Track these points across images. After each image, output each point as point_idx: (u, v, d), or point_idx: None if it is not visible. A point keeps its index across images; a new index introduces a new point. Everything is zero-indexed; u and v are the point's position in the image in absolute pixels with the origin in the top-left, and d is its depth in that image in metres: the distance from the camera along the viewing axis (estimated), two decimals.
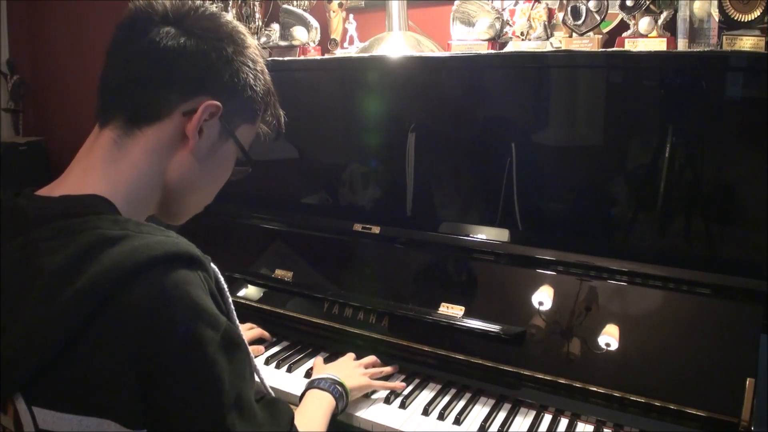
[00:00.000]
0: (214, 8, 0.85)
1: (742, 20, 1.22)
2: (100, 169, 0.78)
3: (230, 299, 0.78)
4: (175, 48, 0.79)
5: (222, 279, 0.78)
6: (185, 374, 0.68)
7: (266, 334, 1.50)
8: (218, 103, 0.80)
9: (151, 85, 0.79)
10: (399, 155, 1.56)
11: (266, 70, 0.89)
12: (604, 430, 1.16)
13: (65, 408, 0.66)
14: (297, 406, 1.13)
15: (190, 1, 0.83)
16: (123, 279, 0.66)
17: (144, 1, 0.82)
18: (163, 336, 0.66)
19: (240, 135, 0.86)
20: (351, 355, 1.34)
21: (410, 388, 1.30)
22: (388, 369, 1.33)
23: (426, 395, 1.28)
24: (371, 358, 1.33)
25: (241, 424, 0.71)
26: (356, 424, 1.21)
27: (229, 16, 0.87)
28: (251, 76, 0.84)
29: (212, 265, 0.76)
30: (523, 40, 1.52)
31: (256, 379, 0.86)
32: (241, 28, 0.86)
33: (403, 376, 1.34)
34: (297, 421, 0.88)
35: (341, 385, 1.16)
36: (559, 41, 1.47)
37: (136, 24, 0.80)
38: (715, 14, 1.27)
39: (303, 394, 1.15)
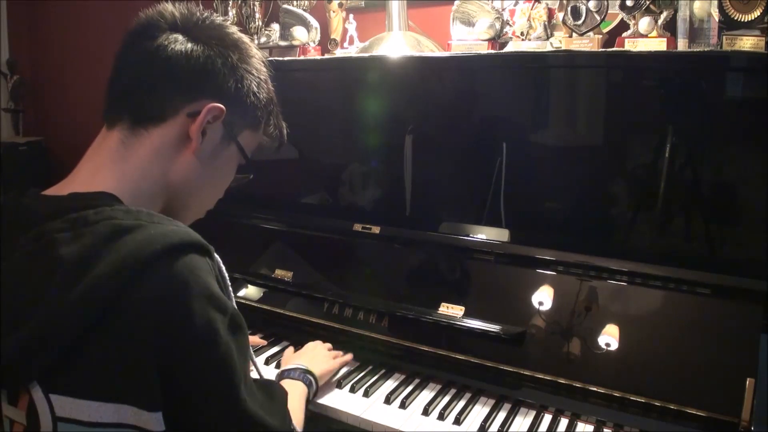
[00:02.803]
0: (220, 19, 0.88)
1: (742, 20, 1.22)
2: (108, 168, 0.81)
3: (231, 287, 0.81)
4: (182, 52, 0.82)
5: (224, 268, 0.80)
6: (202, 356, 0.71)
7: (258, 340, 1.49)
8: (222, 106, 0.83)
9: (158, 87, 0.82)
10: (399, 155, 1.56)
11: (269, 81, 0.92)
12: (604, 430, 1.16)
13: (83, 394, 0.68)
14: None
15: (198, 12, 0.86)
16: (141, 266, 0.68)
17: (153, 9, 0.85)
18: (180, 320, 0.69)
19: (242, 140, 0.89)
20: (317, 342, 1.38)
21: (410, 388, 1.30)
22: (348, 357, 1.37)
23: (426, 395, 1.28)
24: (328, 345, 1.37)
25: (251, 402, 0.76)
26: (356, 424, 1.21)
27: (235, 28, 0.89)
28: (254, 83, 0.88)
29: (215, 255, 0.79)
30: (523, 40, 1.52)
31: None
32: (246, 38, 0.89)
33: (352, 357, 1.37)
34: None
35: (310, 373, 1.21)
36: (559, 41, 1.47)
37: (145, 30, 0.84)
38: (715, 14, 1.27)
39: None
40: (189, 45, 0.82)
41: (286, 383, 1.16)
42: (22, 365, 0.67)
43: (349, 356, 1.37)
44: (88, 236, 0.70)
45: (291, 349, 1.40)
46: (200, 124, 0.82)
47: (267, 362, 1.41)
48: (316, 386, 1.22)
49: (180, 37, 0.82)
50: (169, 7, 0.85)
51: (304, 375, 1.20)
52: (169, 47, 0.81)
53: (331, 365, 1.29)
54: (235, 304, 0.79)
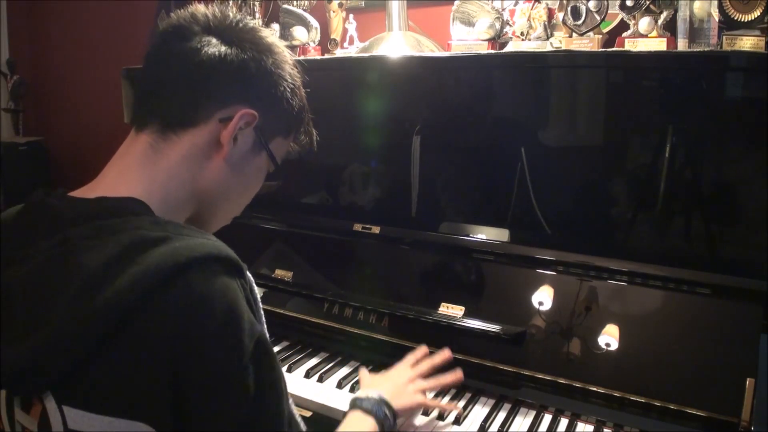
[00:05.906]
0: (254, 23, 0.86)
1: (742, 20, 1.22)
2: (136, 172, 0.79)
3: (261, 308, 0.77)
4: (216, 56, 0.79)
5: (255, 287, 0.77)
6: (214, 380, 0.67)
7: None
8: (255, 112, 0.81)
9: (190, 90, 0.80)
10: (398, 155, 1.56)
11: (302, 87, 0.90)
12: (604, 430, 1.16)
13: (96, 408, 0.66)
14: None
15: (231, 14, 0.84)
16: (163, 280, 0.65)
17: (185, 11, 0.83)
18: (198, 340, 0.65)
19: (273, 148, 0.87)
20: (408, 361, 1.19)
21: None
22: (447, 380, 1.18)
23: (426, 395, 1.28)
24: (428, 365, 1.18)
25: None
26: None
27: (268, 31, 0.87)
28: (288, 90, 0.85)
29: (247, 272, 0.75)
30: (523, 40, 1.52)
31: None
32: (280, 43, 0.87)
33: (453, 392, 1.27)
34: None
35: (387, 405, 1.04)
36: (559, 41, 1.47)
37: (177, 31, 0.81)
38: (715, 14, 1.27)
39: (347, 412, 1.06)
40: (223, 48, 0.79)
41: (355, 416, 1.02)
42: (35, 373, 0.65)
43: (451, 406, 1.20)
44: (113, 246, 0.67)
45: (365, 370, 1.24)
46: (232, 130, 0.80)
47: None
48: (393, 421, 1.03)
49: (214, 40, 0.80)
50: (202, 8, 0.83)
51: (379, 408, 1.02)
52: (203, 50, 0.79)
53: (417, 401, 1.10)
54: (265, 327, 0.75)
